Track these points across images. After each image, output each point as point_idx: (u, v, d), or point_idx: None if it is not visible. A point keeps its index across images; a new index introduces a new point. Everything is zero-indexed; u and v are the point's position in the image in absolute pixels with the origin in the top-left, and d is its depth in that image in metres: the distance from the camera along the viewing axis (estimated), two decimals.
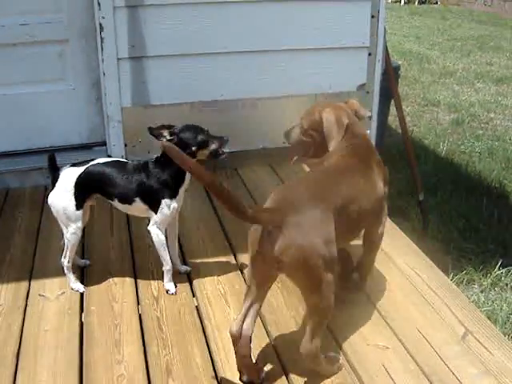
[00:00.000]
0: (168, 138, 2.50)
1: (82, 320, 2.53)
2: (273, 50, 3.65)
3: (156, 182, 2.56)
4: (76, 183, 2.59)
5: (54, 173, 2.64)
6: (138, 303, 2.63)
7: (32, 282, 2.78)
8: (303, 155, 2.63)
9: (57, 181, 2.62)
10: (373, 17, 3.75)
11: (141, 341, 2.39)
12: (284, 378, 2.20)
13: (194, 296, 2.68)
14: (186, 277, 2.81)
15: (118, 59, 3.50)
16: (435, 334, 2.43)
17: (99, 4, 3.42)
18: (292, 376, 2.20)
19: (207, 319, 2.51)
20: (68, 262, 2.69)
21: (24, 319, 2.53)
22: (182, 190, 2.60)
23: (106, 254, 3.01)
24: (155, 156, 2.60)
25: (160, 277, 2.72)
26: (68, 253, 2.68)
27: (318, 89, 3.73)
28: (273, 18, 3.60)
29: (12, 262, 2.95)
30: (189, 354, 2.31)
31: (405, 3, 17.12)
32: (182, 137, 2.52)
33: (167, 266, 2.67)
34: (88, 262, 2.90)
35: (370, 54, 3.80)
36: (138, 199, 2.60)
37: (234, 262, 2.94)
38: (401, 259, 3.04)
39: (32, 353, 2.33)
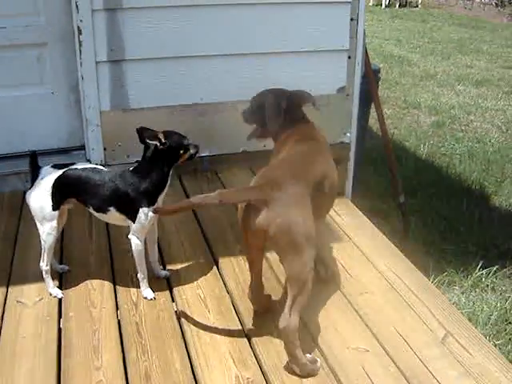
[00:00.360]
0: (163, 141, 2.47)
1: (61, 326, 2.49)
2: (252, 53, 3.62)
3: (133, 191, 2.52)
4: (54, 184, 2.56)
5: (34, 171, 2.62)
6: (117, 309, 2.60)
7: (10, 288, 2.74)
8: (256, 134, 2.84)
9: (36, 179, 2.61)
10: (352, 19, 3.74)
11: (120, 347, 2.36)
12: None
13: (173, 301, 2.66)
14: (165, 282, 2.79)
15: (97, 62, 3.46)
16: (415, 336, 2.44)
17: (77, 7, 3.38)
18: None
19: (186, 324, 2.49)
20: (46, 265, 2.66)
21: (1, 326, 2.49)
22: (160, 198, 2.57)
23: (84, 258, 2.98)
24: (136, 161, 2.58)
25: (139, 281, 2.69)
26: (45, 255, 2.65)
27: None
28: (252, 22, 3.58)
29: None
30: (168, 359, 2.29)
31: (386, 6, 17.22)
32: (173, 140, 2.51)
33: (142, 275, 2.66)
34: (66, 268, 2.87)
35: (349, 57, 3.79)
36: (112, 208, 2.57)
37: (213, 265, 2.92)
38: (381, 261, 3.05)
39: (9, 360, 2.30)
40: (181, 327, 2.47)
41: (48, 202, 2.57)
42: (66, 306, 2.61)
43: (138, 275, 2.66)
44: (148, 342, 2.38)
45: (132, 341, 2.39)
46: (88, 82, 3.52)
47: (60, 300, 2.65)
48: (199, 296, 2.67)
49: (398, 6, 17.45)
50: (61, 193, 2.59)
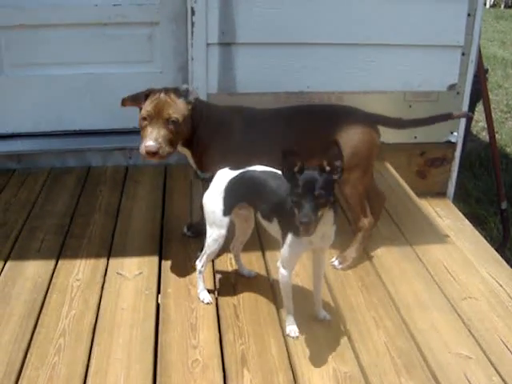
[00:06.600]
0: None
1: (159, 301, 2.51)
2: (364, 44, 3.54)
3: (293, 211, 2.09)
4: (226, 187, 2.38)
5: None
6: (215, 289, 2.61)
7: (110, 260, 2.79)
8: None
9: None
10: (469, 15, 3.62)
11: (217, 327, 2.36)
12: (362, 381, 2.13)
13: (271, 287, 2.63)
14: (263, 265, 2.78)
15: (208, 44, 3.47)
16: None
17: None
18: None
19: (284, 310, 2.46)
20: (202, 266, 2.51)
21: (101, 296, 2.54)
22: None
23: (185, 237, 2.99)
24: None
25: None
26: (204, 258, 2.49)
27: (406, 86, 3.63)
28: (366, 12, 3.50)
29: (91, 239, 2.97)
30: (265, 344, 2.26)
31: (490, 6, 16.65)
32: None
33: (286, 311, 2.36)
34: (253, 274, 2.73)
35: (463, 54, 3.66)
36: (275, 220, 2.28)
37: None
38: (483, 267, 2.96)
39: (108, 330, 2.34)
40: (278, 314, 2.45)
41: (219, 207, 2.39)
42: (165, 283, 2.63)
43: (284, 310, 2.40)
44: (245, 326, 2.36)
45: (229, 322, 2.38)
46: (197, 64, 3.54)
47: (159, 276, 2.67)
48: (297, 285, 2.62)
49: (503, 6, 16.84)
50: (232, 196, 2.39)
